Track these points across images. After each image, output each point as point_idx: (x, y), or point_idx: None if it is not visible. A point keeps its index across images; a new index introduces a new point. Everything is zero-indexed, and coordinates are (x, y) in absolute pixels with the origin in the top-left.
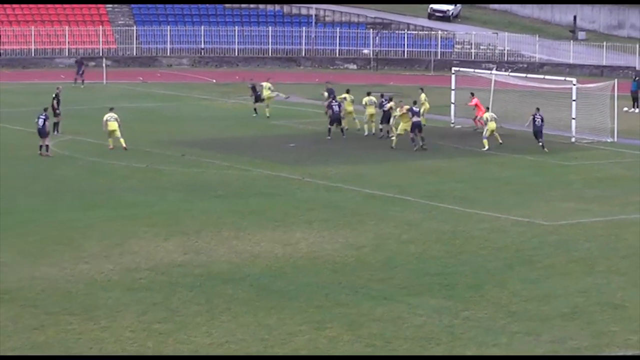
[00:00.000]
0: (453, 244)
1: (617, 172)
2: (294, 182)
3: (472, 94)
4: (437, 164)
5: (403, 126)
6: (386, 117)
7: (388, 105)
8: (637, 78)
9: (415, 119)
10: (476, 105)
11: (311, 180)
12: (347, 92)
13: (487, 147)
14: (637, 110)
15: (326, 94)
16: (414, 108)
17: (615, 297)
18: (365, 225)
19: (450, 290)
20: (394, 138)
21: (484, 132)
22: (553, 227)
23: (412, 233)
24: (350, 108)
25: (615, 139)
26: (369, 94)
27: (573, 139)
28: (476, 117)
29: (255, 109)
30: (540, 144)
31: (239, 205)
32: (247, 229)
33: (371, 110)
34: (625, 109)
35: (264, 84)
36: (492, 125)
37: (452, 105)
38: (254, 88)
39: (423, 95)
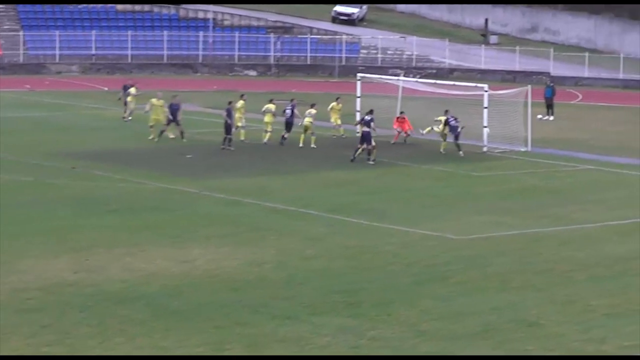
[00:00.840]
0: (360, 260)
1: (531, 183)
2: (191, 195)
3: (402, 112)
4: (343, 175)
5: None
6: (289, 125)
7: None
8: (551, 84)
9: (365, 129)
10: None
11: (209, 194)
12: (312, 106)
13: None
14: (551, 118)
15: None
16: (366, 117)
17: (530, 315)
18: (267, 241)
19: (356, 309)
20: (313, 146)
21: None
22: (465, 241)
23: (316, 248)
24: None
25: (529, 148)
26: (271, 101)
27: (485, 149)
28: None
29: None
30: (459, 150)
31: (133, 221)
32: (142, 245)
33: (268, 118)
34: (540, 116)
35: (131, 89)
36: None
37: (358, 114)
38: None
39: (340, 105)
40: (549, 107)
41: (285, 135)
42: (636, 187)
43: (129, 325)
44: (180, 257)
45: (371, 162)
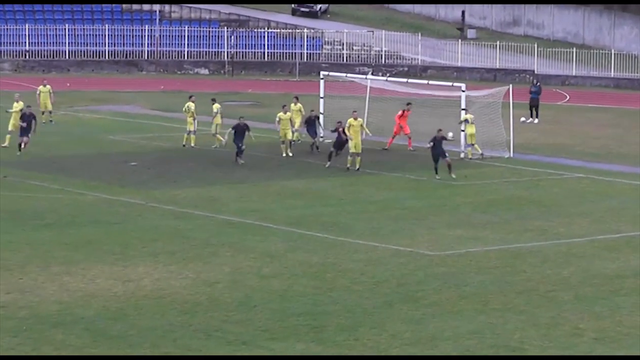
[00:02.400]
0: (323, 279)
1: (513, 193)
2: (136, 207)
3: (409, 104)
4: (303, 185)
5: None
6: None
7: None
8: (537, 83)
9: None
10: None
11: (156, 206)
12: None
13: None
14: (535, 121)
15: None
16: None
17: (513, 339)
18: (220, 258)
19: (319, 333)
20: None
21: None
22: (439, 257)
23: (275, 266)
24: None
25: (512, 154)
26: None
27: (462, 155)
28: (396, 134)
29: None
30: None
31: (71, 236)
32: (81, 263)
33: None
34: (523, 119)
35: (40, 87)
36: (470, 129)
37: (321, 116)
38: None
39: (299, 105)
40: (534, 108)
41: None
42: (627, 197)
43: (66, 351)
44: (123, 276)
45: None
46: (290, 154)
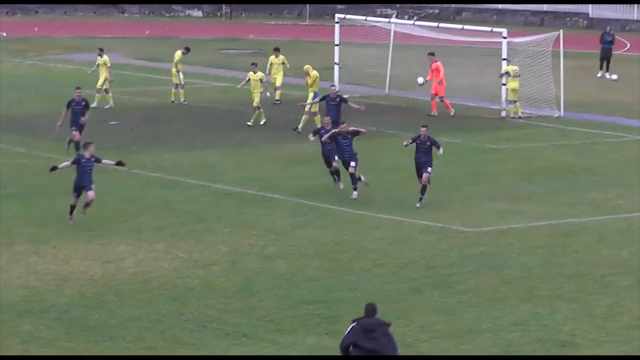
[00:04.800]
0: (338, 260)
1: (562, 160)
2: (116, 175)
3: (432, 55)
4: (312, 149)
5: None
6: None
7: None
8: (610, 31)
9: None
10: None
11: (140, 172)
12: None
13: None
14: (614, 77)
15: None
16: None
17: (562, 332)
18: (216, 235)
19: (334, 324)
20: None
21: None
22: (476, 235)
23: (281, 245)
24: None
25: (562, 113)
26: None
27: (503, 113)
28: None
29: None
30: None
31: (39, 209)
32: (51, 241)
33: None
34: (602, 73)
35: None
36: (513, 83)
37: (336, 67)
38: None
39: (281, 57)
40: (605, 60)
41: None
42: None
43: (35, 344)
44: (101, 255)
45: None
46: (262, 123)
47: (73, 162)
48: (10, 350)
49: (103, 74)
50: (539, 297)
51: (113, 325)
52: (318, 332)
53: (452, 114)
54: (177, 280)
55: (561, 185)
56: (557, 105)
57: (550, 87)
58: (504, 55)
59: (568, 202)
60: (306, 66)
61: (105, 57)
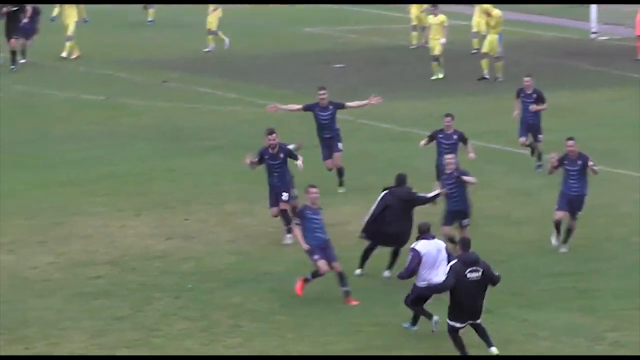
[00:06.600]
0: (593, 225)
1: None
2: (341, 124)
3: None
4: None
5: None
6: None
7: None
8: None
9: None
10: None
11: (366, 123)
12: None
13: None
14: None
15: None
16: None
17: None
18: None
19: (589, 300)
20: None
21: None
22: None
23: (527, 207)
24: None
25: None
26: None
27: None
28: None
29: None
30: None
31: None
32: (265, 200)
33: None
34: None
35: None
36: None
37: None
38: None
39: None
40: None
41: None
42: None
43: (245, 319)
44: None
45: None
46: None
47: None
48: (218, 326)
49: None
50: None
51: (335, 299)
52: (572, 307)
53: None
54: None
55: None
56: None
57: None
58: None
59: None
60: (486, 5)
61: None
